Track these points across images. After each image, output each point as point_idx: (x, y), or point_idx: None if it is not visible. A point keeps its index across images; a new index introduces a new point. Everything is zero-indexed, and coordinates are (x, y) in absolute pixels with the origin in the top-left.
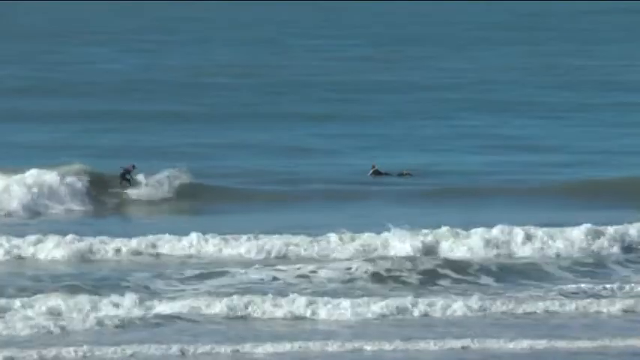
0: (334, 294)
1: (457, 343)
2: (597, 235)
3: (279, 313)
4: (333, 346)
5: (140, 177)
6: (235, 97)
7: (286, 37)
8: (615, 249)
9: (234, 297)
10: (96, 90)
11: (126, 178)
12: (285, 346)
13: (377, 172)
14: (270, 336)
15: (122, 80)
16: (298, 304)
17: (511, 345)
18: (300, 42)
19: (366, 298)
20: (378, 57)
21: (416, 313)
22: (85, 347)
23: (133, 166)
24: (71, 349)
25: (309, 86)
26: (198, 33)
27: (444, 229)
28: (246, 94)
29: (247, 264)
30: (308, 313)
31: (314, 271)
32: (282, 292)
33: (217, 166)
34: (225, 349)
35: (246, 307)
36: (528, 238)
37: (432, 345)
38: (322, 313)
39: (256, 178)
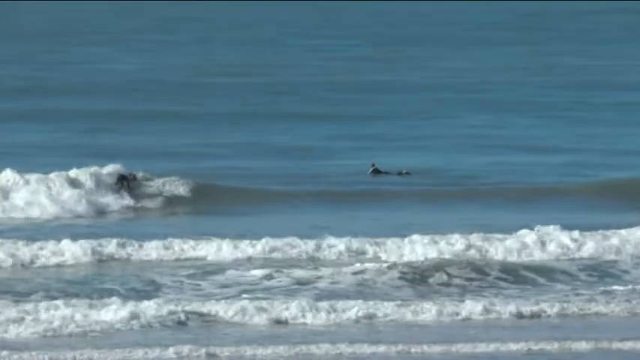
0: (345, 297)
1: (464, 348)
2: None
3: (289, 315)
4: (337, 349)
5: (143, 181)
6: (235, 97)
7: (286, 37)
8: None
9: (245, 300)
10: (96, 90)
11: (122, 183)
12: (292, 350)
13: (376, 171)
14: (277, 338)
15: (122, 80)
16: (305, 307)
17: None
18: (300, 42)
19: (376, 301)
20: (378, 57)
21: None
22: (106, 350)
23: (134, 177)
24: (95, 352)
25: (309, 86)
26: (198, 33)
27: (456, 235)
28: (246, 94)
29: (254, 266)
30: (316, 316)
31: (323, 275)
32: (290, 295)
33: (217, 166)
34: (248, 350)
35: (258, 310)
36: (544, 241)
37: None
38: (331, 315)
39: (256, 178)
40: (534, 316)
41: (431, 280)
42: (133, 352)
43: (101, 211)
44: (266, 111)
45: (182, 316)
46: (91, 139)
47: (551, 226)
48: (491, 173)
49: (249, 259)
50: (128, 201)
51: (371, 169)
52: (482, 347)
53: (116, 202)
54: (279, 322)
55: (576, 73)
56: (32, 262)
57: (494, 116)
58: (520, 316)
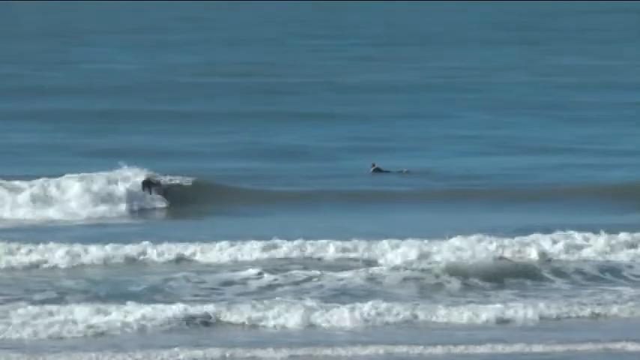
0: (349, 298)
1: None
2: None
3: (295, 318)
4: (343, 351)
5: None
6: (235, 97)
7: (286, 37)
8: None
9: (250, 301)
10: (96, 90)
11: (149, 188)
12: (299, 351)
13: (377, 170)
14: (285, 340)
15: (122, 80)
16: (311, 308)
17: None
18: (300, 42)
19: (380, 303)
20: (378, 57)
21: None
22: (115, 352)
23: (159, 182)
24: (120, 354)
25: (309, 86)
26: (198, 33)
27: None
28: (246, 94)
29: (255, 267)
30: (323, 317)
31: (325, 276)
32: (295, 296)
33: (217, 166)
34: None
35: (263, 311)
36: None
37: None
38: (338, 316)
39: (257, 178)
40: (538, 317)
41: (434, 282)
42: (137, 354)
43: (113, 215)
44: (266, 111)
45: (190, 319)
46: (91, 139)
47: (556, 227)
48: (492, 173)
49: (251, 260)
50: (152, 205)
51: (372, 169)
52: (484, 348)
53: (135, 205)
54: (285, 323)
55: (576, 73)
56: (44, 264)
57: (494, 116)
58: (524, 316)
